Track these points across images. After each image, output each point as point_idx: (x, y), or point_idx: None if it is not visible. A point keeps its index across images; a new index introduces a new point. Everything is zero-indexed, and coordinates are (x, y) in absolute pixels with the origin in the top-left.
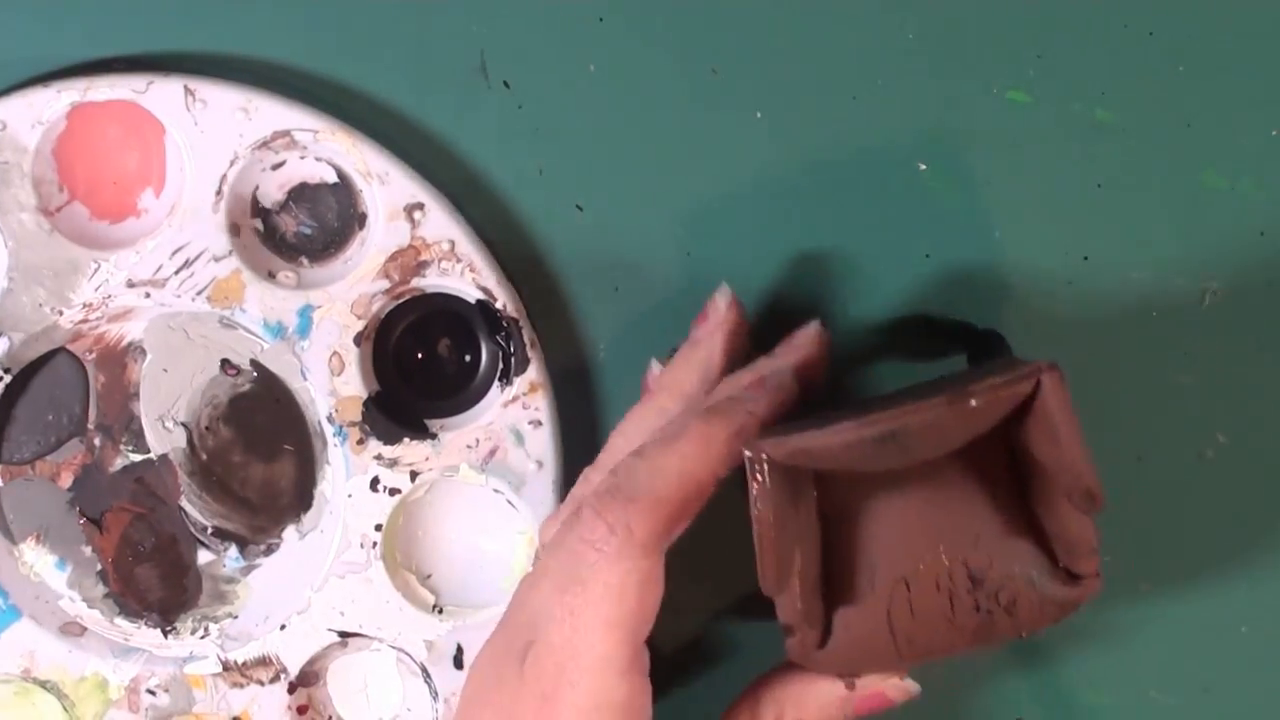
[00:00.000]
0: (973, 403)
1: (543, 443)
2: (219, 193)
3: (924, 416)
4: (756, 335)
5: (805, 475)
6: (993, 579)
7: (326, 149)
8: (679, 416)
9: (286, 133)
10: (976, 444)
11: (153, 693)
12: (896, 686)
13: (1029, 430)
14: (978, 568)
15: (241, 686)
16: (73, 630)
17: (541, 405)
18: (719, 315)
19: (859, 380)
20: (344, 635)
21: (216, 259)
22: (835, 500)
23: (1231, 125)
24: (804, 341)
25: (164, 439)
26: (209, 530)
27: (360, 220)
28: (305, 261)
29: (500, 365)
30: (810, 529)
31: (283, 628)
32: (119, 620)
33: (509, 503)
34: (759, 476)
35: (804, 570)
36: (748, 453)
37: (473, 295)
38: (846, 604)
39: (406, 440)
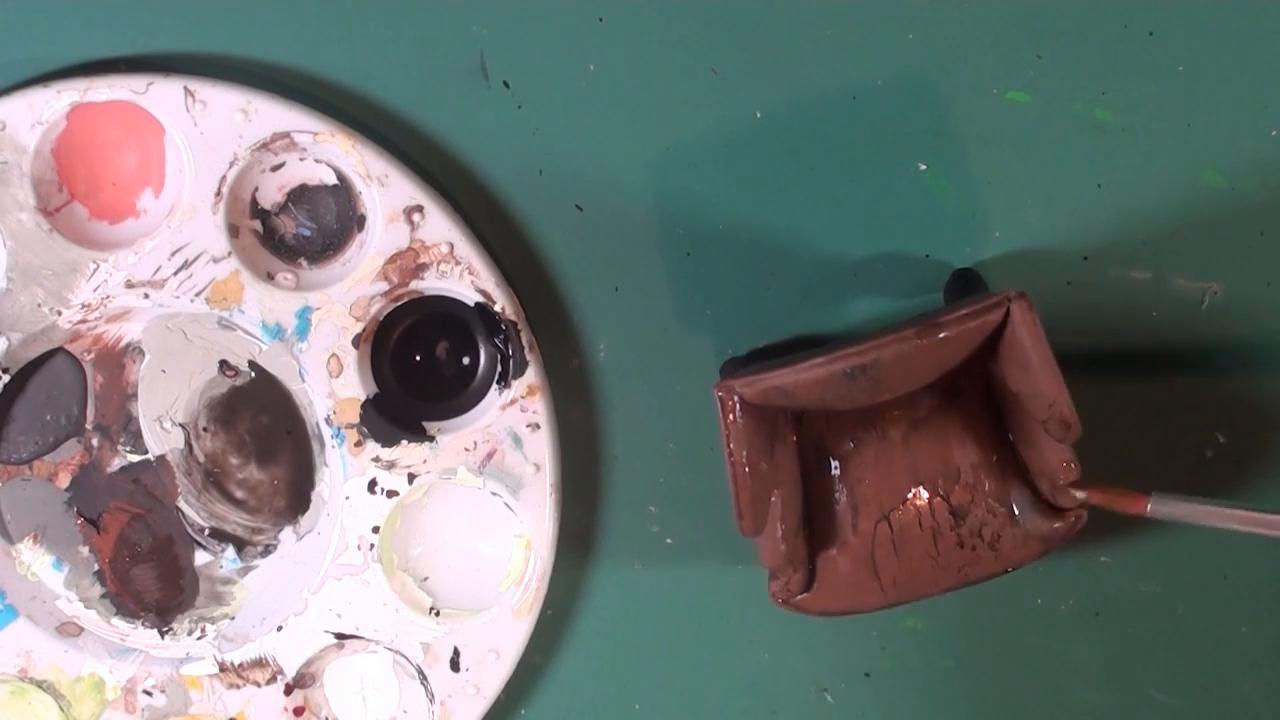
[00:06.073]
0: (942, 334)
1: (541, 445)
2: (218, 194)
3: (894, 349)
4: (755, 337)
5: (783, 418)
6: (975, 515)
7: (326, 151)
8: None
9: (286, 134)
10: (954, 382)
11: (149, 693)
12: None
13: (1001, 361)
14: (960, 505)
15: (238, 688)
16: (69, 630)
17: (540, 408)
18: None
19: None
20: (340, 637)
21: (215, 260)
22: (816, 444)
23: (1231, 125)
24: None
25: (162, 440)
26: (206, 531)
27: (359, 222)
28: (304, 263)
29: (499, 368)
30: (790, 472)
31: (279, 629)
32: (116, 620)
33: (506, 505)
34: (730, 416)
35: (784, 513)
36: (719, 393)
37: (471, 298)
38: (829, 546)
39: (404, 442)
